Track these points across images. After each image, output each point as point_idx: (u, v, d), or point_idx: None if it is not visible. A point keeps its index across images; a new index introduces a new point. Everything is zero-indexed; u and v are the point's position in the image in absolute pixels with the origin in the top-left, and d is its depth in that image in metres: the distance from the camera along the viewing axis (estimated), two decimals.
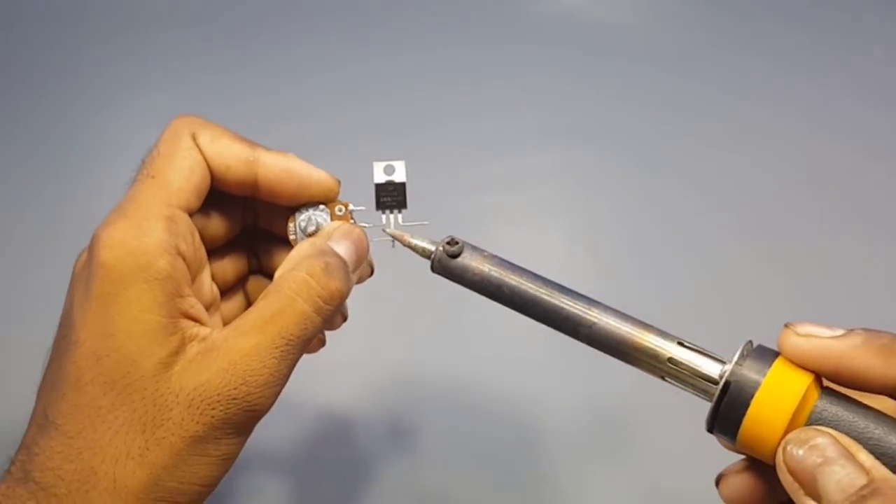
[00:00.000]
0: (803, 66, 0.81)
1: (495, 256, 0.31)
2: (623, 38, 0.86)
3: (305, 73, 0.81)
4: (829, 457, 0.24)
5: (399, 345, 0.56)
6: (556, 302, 0.30)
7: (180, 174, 0.30)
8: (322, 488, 0.49)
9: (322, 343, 0.35)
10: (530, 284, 0.30)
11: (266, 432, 0.29)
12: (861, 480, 0.23)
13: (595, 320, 0.29)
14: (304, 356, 0.30)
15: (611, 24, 0.88)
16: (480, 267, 0.31)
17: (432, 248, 0.32)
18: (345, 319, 0.35)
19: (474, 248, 0.31)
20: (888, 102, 0.75)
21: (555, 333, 0.31)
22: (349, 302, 0.33)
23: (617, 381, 0.51)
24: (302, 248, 0.32)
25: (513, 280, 0.30)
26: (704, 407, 0.28)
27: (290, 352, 0.29)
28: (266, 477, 0.49)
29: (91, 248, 0.29)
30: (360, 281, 0.34)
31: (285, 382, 0.29)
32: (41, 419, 0.28)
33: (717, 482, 0.29)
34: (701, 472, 0.47)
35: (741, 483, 0.28)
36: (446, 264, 0.31)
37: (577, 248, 0.63)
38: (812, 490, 0.24)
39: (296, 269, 0.30)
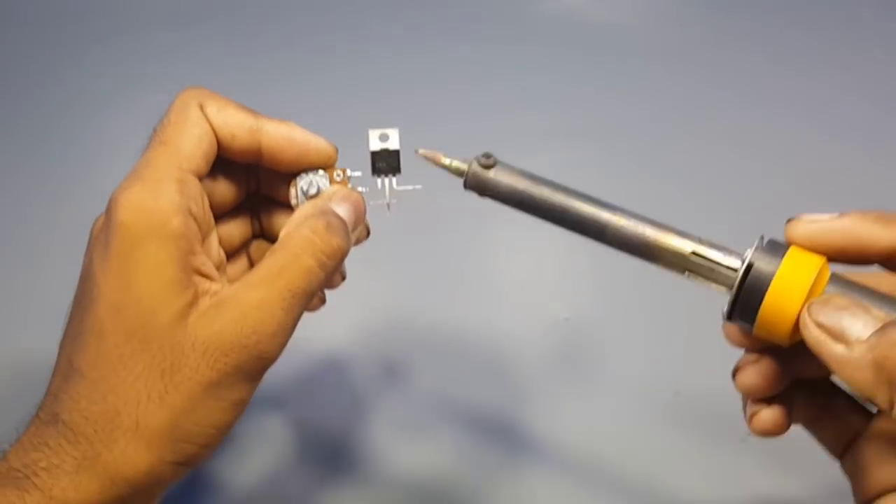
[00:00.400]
0: (803, 66, 0.81)
1: (525, 171, 0.33)
2: (623, 38, 0.86)
3: (305, 73, 0.82)
4: (851, 306, 0.27)
5: (388, 293, 0.59)
6: (583, 208, 0.32)
7: (190, 141, 0.32)
8: (319, 426, 0.51)
9: (322, 301, 0.37)
10: (560, 195, 0.32)
11: (267, 375, 0.32)
12: (880, 321, 0.26)
13: (621, 224, 0.32)
14: (305, 314, 0.32)
15: (611, 25, 0.88)
16: (512, 178, 0.33)
17: (465, 166, 0.33)
18: (343, 279, 0.37)
19: (505, 164, 0.33)
20: (888, 102, 0.75)
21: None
22: (346, 263, 0.35)
23: (609, 353, 0.54)
24: (305, 209, 0.34)
25: (543, 191, 0.32)
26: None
27: (296, 304, 0.31)
28: (267, 418, 0.51)
29: (109, 210, 0.30)
30: (357, 243, 0.36)
31: (292, 332, 0.31)
32: (66, 368, 0.30)
33: (734, 374, 0.32)
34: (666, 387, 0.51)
35: (756, 371, 0.31)
36: (480, 177, 0.33)
37: (577, 247, 0.63)
38: (839, 335, 0.26)
39: (300, 227, 0.32)
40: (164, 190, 0.30)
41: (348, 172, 0.35)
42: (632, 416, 0.51)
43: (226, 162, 0.34)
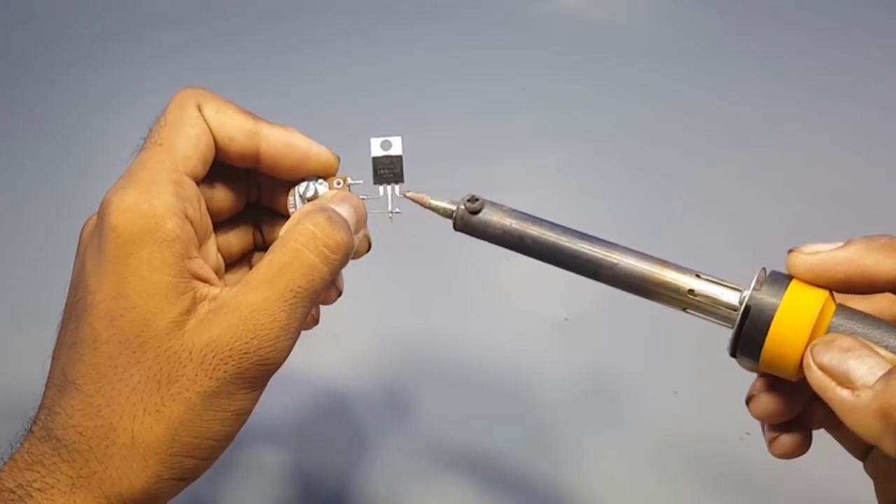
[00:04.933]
0: (802, 66, 0.81)
1: (514, 210, 0.32)
2: (623, 38, 0.86)
3: (304, 72, 0.82)
4: (856, 347, 0.25)
5: (394, 316, 0.57)
6: (577, 247, 0.31)
7: (187, 142, 0.31)
8: (320, 458, 0.50)
9: (315, 321, 0.35)
10: (550, 234, 0.31)
11: (262, 404, 0.30)
12: (888, 364, 0.24)
13: (616, 261, 0.31)
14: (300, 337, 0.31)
15: (611, 24, 0.88)
16: (502, 221, 0.32)
17: (453, 207, 0.32)
18: (339, 294, 0.35)
19: (493, 204, 0.32)
20: (887, 102, 0.75)
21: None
22: (344, 276, 0.34)
23: (609, 352, 0.53)
24: (304, 207, 0.32)
25: (534, 231, 0.31)
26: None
27: (299, 304, 0.29)
28: (265, 448, 0.49)
29: (101, 213, 0.29)
30: (357, 256, 0.34)
31: (297, 336, 0.29)
32: (59, 380, 0.29)
33: (748, 402, 0.31)
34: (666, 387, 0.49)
35: (770, 398, 0.30)
36: (468, 221, 0.32)
37: None
38: (844, 379, 0.25)
39: (300, 222, 0.30)
40: (158, 192, 0.29)
41: (349, 181, 0.34)
42: (631, 416, 0.51)
43: (225, 168, 0.33)
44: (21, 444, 0.29)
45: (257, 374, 0.29)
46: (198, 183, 0.31)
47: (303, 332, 0.30)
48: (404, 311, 0.58)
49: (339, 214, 0.31)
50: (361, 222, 0.33)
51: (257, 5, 0.91)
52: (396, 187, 0.34)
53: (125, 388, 0.28)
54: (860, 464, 0.32)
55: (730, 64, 0.81)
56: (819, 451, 0.34)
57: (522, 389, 0.53)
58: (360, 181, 0.34)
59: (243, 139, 0.32)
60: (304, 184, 0.34)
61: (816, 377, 0.26)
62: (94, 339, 0.28)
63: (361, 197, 0.34)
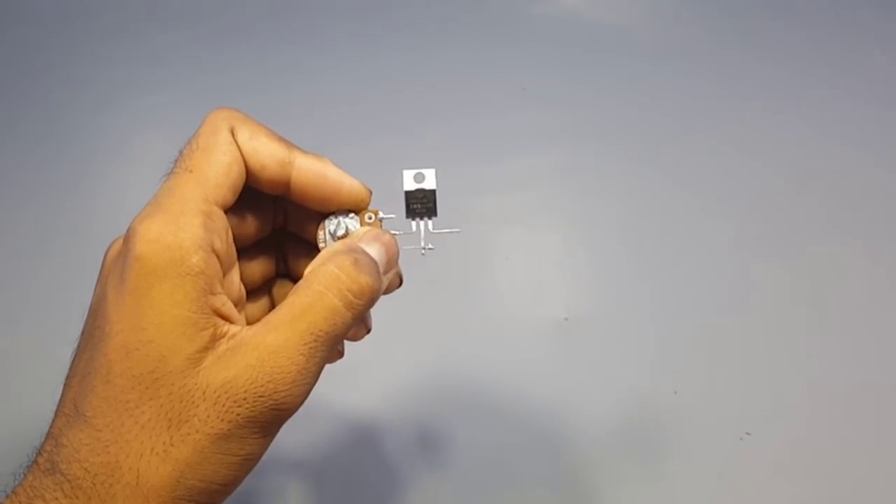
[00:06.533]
0: (803, 66, 0.81)
1: None
2: (623, 38, 0.86)
3: (304, 72, 0.82)
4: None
5: (424, 349, 0.56)
6: None
7: (219, 169, 0.30)
8: (344, 493, 0.49)
9: (340, 355, 0.34)
10: None
11: (288, 436, 0.29)
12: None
13: None
14: (325, 370, 0.30)
15: (610, 24, 0.88)
16: None
17: None
18: (368, 331, 0.34)
19: None
20: (887, 103, 0.75)
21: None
22: (373, 313, 0.33)
23: (643, 387, 0.52)
24: (332, 246, 0.31)
25: None
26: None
27: (319, 348, 0.28)
28: (287, 479, 0.49)
29: (127, 241, 0.28)
30: (388, 291, 0.33)
31: (315, 381, 0.29)
32: (70, 410, 0.28)
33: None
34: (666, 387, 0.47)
35: None
36: None
37: (577, 247, 0.63)
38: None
39: (325, 264, 0.29)
40: (186, 223, 0.28)
41: (380, 214, 0.33)
42: (631, 415, 0.51)
43: (253, 193, 0.32)
44: (24, 475, 0.28)
45: (271, 418, 0.28)
46: (226, 211, 0.30)
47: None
48: (420, 337, 0.57)
49: (368, 256, 0.30)
50: (392, 262, 0.32)
51: (257, 5, 0.91)
52: (430, 222, 0.33)
53: (135, 424, 0.27)
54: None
55: (729, 64, 0.81)
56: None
57: (550, 423, 0.52)
58: (392, 215, 0.33)
59: (276, 167, 0.31)
60: (336, 220, 0.33)
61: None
62: (108, 372, 0.27)
63: (394, 232, 0.33)
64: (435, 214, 0.33)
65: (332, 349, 0.29)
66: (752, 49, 0.83)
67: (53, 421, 0.29)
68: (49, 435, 0.28)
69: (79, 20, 0.89)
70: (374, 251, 0.31)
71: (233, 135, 0.30)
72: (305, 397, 0.28)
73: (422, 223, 0.33)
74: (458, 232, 0.32)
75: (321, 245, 0.33)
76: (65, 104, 0.78)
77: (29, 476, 0.28)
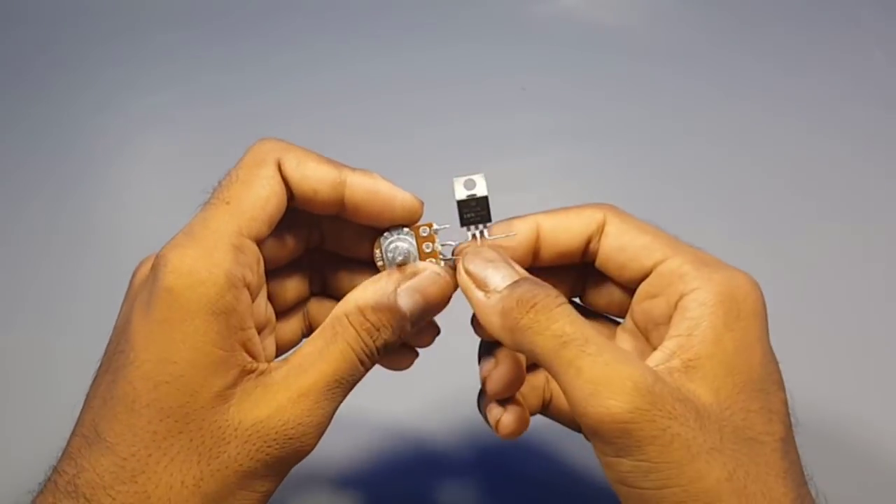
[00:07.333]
0: (803, 66, 0.81)
1: None
2: (623, 38, 0.86)
3: (305, 72, 0.82)
4: (496, 259, 0.31)
5: (425, 352, 0.55)
6: None
7: (256, 203, 0.29)
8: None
9: (437, 332, 0.35)
10: None
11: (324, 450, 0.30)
12: (517, 276, 0.30)
13: None
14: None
15: (610, 24, 0.88)
16: None
17: None
18: (437, 333, 0.35)
19: None
20: (888, 103, 0.75)
21: None
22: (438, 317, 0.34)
23: None
24: (367, 291, 0.31)
25: None
26: None
27: (340, 394, 0.30)
28: (325, 489, 0.47)
29: (156, 269, 0.28)
30: (422, 342, 0.34)
31: (329, 425, 0.30)
32: (90, 432, 0.28)
33: (484, 383, 0.34)
34: None
35: (503, 370, 0.33)
36: None
37: None
38: (482, 283, 0.30)
39: (351, 313, 0.30)
40: (219, 259, 0.28)
41: (435, 226, 0.33)
42: None
43: (287, 215, 0.31)
44: (41, 491, 0.28)
45: (293, 459, 0.29)
46: (260, 243, 0.30)
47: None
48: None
49: (397, 312, 0.31)
50: (430, 311, 0.32)
51: (257, 5, 0.91)
52: (486, 229, 0.33)
53: (164, 457, 0.27)
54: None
55: (730, 64, 0.81)
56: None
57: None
58: (447, 225, 0.33)
59: (328, 190, 0.31)
60: (391, 238, 0.33)
61: (462, 280, 0.31)
62: (134, 400, 0.27)
63: (447, 259, 0.33)
64: (489, 220, 0.33)
65: (348, 393, 0.30)
66: (751, 49, 0.83)
67: (71, 439, 0.29)
68: (67, 455, 0.28)
69: (79, 20, 0.89)
70: (410, 303, 0.31)
71: (280, 166, 0.30)
72: (319, 440, 0.30)
73: (477, 231, 0.33)
74: (513, 236, 0.33)
75: (379, 263, 0.33)
76: (65, 104, 0.78)
77: (48, 496, 0.28)
